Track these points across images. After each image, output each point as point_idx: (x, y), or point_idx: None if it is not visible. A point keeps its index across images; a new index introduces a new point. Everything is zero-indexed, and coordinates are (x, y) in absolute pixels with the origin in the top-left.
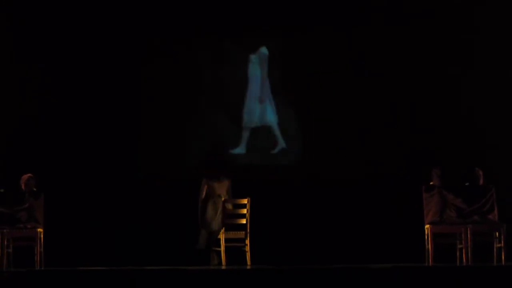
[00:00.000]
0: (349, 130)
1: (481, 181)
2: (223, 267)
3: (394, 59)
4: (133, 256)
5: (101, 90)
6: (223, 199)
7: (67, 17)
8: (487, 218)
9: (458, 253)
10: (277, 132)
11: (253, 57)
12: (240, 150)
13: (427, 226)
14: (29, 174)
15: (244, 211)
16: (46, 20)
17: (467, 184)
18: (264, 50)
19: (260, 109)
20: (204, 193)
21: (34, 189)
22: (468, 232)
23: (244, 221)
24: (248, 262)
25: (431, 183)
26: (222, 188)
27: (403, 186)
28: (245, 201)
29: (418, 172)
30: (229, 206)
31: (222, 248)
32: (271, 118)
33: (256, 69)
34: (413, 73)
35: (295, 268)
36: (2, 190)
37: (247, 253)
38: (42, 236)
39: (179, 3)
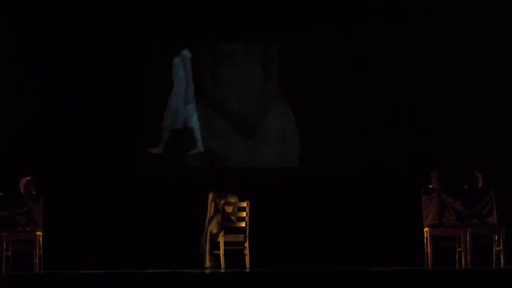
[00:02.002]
0: (348, 131)
1: (480, 184)
2: (222, 270)
3: (394, 59)
4: (133, 259)
5: (101, 90)
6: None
7: (67, 17)
8: (486, 221)
9: (457, 256)
10: (198, 135)
11: (176, 60)
12: (158, 150)
13: (426, 229)
14: (28, 177)
15: (244, 214)
16: (46, 20)
17: (466, 187)
18: (186, 53)
19: (184, 111)
20: (212, 210)
21: (33, 192)
22: (467, 235)
23: (243, 224)
24: (247, 265)
25: (430, 186)
26: (228, 206)
27: (402, 188)
28: (244, 204)
29: (417, 174)
30: (229, 209)
31: (221, 251)
32: (194, 120)
33: (180, 71)
34: (413, 73)
35: (294, 271)
36: (1, 193)
37: (246, 256)
38: (41, 239)
39: (179, 3)
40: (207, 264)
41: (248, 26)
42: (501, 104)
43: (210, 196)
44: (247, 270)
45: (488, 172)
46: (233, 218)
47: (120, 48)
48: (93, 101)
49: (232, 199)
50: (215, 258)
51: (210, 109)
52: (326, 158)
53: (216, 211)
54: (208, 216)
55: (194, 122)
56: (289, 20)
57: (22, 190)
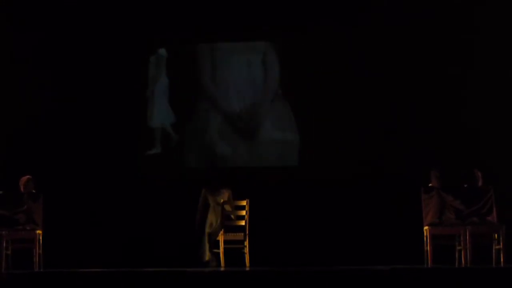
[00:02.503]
0: (348, 131)
1: (480, 183)
2: (222, 269)
3: (394, 59)
4: (133, 258)
5: (101, 90)
6: (228, 207)
7: (67, 17)
8: (486, 220)
9: (457, 255)
10: (170, 130)
11: (152, 59)
12: (156, 150)
13: (426, 227)
14: (28, 176)
15: (243, 212)
16: (46, 20)
17: (466, 185)
18: (162, 51)
19: (158, 109)
20: (202, 202)
21: (33, 191)
22: (467, 233)
23: (243, 222)
24: (247, 264)
25: (430, 184)
26: (221, 198)
27: (402, 187)
28: (244, 202)
29: (417, 173)
30: (228, 208)
31: (221, 250)
32: (165, 117)
33: (152, 70)
34: (413, 73)
35: (294, 269)
36: (1, 192)
37: (246, 255)
38: (41, 238)
39: (179, 3)
40: (207, 257)
41: (248, 26)
42: (501, 103)
43: (203, 191)
44: (247, 269)
45: (488, 171)
46: (232, 215)
47: (120, 48)
48: (92, 101)
49: (226, 193)
50: (215, 256)
51: (210, 109)
52: (326, 158)
53: (207, 205)
54: (199, 211)
55: (166, 119)
56: (289, 20)
57: (22, 189)
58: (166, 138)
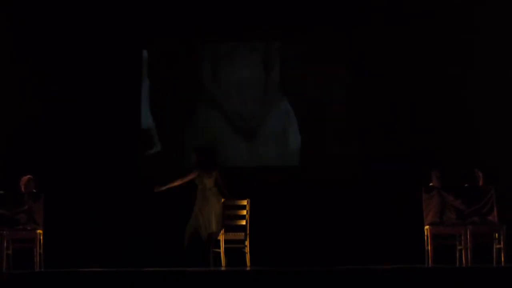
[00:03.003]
0: (348, 131)
1: (480, 183)
2: (223, 269)
3: (394, 59)
4: (133, 257)
5: (101, 90)
6: (221, 199)
7: (67, 17)
8: (486, 220)
9: (457, 254)
10: (154, 133)
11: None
12: (156, 148)
13: (426, 227)
14: (28, 176)
15: (244, 212)
16: (46, 20)
17: (466, 185)
18: (143, 53)
19: (142, 111)
20: (187, 178)
21: (34, 190)
22: (468, 233)
23: (243, 222)
24: (248, 264)
25: (430, 184)
26: (211, 181)
27: (402, 187)
28: (244, 202)
29: (417, 173)
30: (215, 189)
31: (222, 250)
32: (148, 120)
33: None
34: (413, 73)
35: (294, 269)
36: (1, 192)
37: (246, 255)
38: (41, 237)
39: (179, 3)
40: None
41: (248, 26)
42: (501, 103)
43: (197, 173)
44: (248, 269)
45: (489, 171)
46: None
47: (120, 48)
48: (93, 101)
49: (214, 174)
50: (215, 256)
51: (210, 109)
52: (326, 158)
53: (199, 186)
54: (180, 179)
55: (149, 122)
56: (289, 20)
57: (22, 189)
58: (165, 138)
